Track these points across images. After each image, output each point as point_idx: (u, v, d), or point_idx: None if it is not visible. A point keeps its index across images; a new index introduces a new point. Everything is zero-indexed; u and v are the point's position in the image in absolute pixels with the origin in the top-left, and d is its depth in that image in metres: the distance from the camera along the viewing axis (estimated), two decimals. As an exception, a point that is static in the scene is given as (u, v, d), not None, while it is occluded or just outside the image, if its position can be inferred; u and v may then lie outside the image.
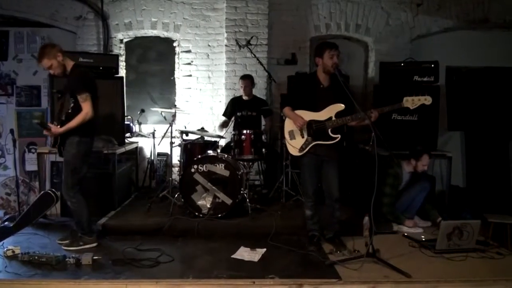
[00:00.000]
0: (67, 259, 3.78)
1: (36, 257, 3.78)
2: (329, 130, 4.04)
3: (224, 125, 6.17)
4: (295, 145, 4.17)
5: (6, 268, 3.67)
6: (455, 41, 6.80)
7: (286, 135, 4.23)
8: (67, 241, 4.27)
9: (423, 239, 4.39)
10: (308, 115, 4.10)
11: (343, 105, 4.02)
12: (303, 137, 4.12)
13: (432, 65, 5.73)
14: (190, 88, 6.86)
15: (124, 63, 6.88)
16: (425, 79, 5.71)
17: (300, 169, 4.34)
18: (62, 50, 4.13)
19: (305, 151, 4.11)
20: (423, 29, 6.88)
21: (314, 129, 4.07)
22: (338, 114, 4.03)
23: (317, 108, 4.10)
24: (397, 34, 6.86)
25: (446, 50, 6.64)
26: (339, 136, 4.05)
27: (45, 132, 4.19)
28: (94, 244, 4.26)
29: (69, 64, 4.16)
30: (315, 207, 4.25)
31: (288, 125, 4.22)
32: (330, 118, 4.04)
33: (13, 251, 3.93)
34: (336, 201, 4.18)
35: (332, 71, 4.04)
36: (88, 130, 4.17)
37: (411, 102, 3.91)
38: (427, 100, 3.89)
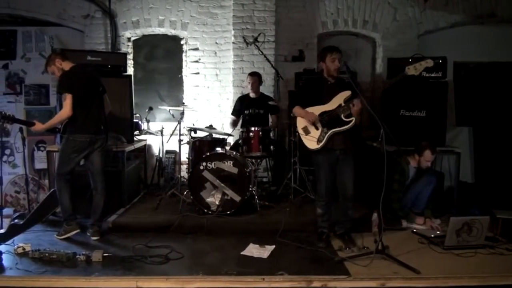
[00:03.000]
0: (77, 256, 3.82)
1: (47, 254, 3.81)
2: (342, 116, 4.05)
3: (234, 124, 6.17)
4: (312, 137, 4.16)
5: (17, 265, 3.71)
6: (463, 36, 6.72)
7: (301, 131, 4.24)
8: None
9: (432, 236, 4.39)
10: (318, 109, 4.14)
11: (349, 92, 4.04)
12: (317, 129, 4.14)
13: (440, 61, 5.70)
14: (197, 85, 6.87)
15: (132, 61, 6.90)
16: (433, 74, 5.68)
17: (315, 168, 4.32)
18: (62, 56, 4.35)
19: (323, 142, 4.09)
20: (431, 24, 6.85)
21: (327, 119, 4.09)
22: (347, 101, 4.05)
23: (324, 102, 4.14)
24: (405, 30, 6.84)
25: (453, 45, 6.59)
26: (353, 118, 4.05)
27: (31, 128, 4.38)
28: (74, 232, 4.41)
29: (67, 66, 4.31)
30: (327, 206, 4.26)
31: (301, 122, 4.24)
32: (340, 105, 4.06)
33: (24, 248, 3.96)
34: (350, 200, 4.19)
35: (335, 75, 4.14)
36: (75, 129, 4.27)
37: (413, 69, 3.88)
38: (428, 63, 3.87)
